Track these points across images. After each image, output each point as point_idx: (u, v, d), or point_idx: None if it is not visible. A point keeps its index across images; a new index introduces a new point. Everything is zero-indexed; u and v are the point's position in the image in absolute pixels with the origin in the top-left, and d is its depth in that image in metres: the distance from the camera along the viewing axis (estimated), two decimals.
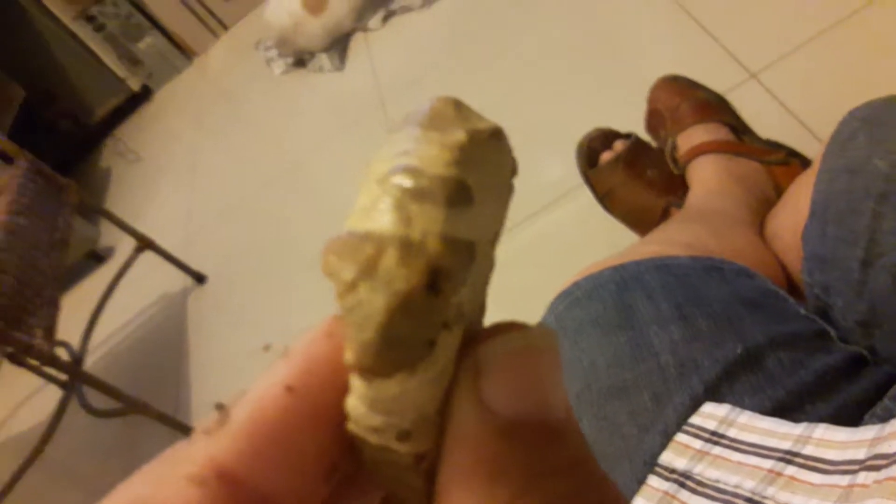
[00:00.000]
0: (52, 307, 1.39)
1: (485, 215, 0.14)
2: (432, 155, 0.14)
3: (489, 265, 0.15)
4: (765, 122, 0.99)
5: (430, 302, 0.13)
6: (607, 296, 0.53)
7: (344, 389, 0.15)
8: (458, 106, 0.15)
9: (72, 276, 2.20)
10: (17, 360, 1.76)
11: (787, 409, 0.38)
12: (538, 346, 0.15)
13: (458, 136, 0.14)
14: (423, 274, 0.13)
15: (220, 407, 0.15)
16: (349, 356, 0.14)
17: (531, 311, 0.61)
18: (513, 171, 0.16)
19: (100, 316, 1.64)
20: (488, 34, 1.79)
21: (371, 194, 0.14)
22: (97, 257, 2.26)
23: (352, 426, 0.15)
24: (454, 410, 0.14)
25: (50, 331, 1.35)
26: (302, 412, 0.14)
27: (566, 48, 1.56)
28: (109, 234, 2.23)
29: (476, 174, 0.14)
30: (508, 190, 0.16)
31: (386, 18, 2.13)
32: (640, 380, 0.45)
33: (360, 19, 2.17)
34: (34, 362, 1.45)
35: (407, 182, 0.13)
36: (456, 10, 1.98)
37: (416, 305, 0.13)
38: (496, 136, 0.15)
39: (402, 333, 0.13)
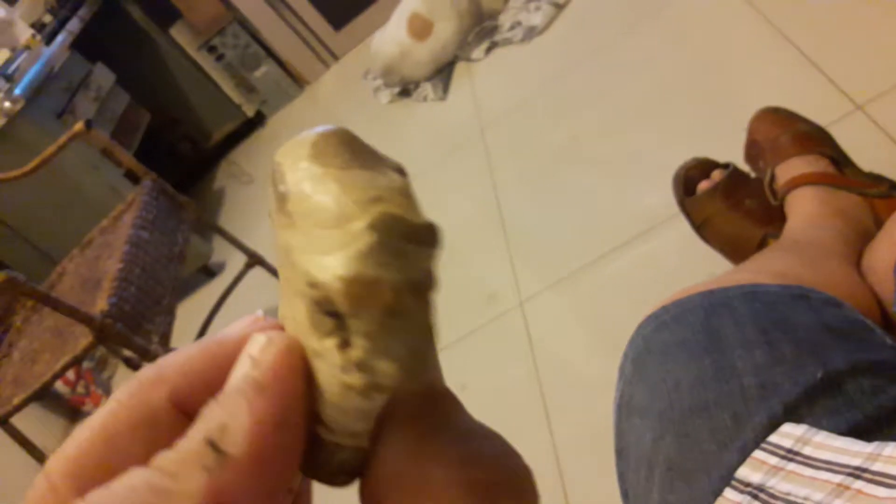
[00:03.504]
0: (169, 316, 1.49)
1: None
2: (403, 202, 0.16)
3: None
4: (870, 155, 0.97)
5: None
6: (695, 320, 0.55)
7: (306, 414, 0.18)
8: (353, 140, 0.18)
9: (185, 288, 2.33)
10: (132, 364, 1.89)
11: (864, 432, 0.39)
12: None
13: (400, 179, 0.17)
14: (431, 309, 0.16)
15: (213, 444, 0.16)
16: (396, 378, 0.16)
17: (627, 339, 0.63)
18: None
19: (209, 326, 1.73)
20: (587, 67, 1.82)
21: (359, 238, 0.16)
22: (209, 272, 2.39)
23: (328, 436, 0.18)
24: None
25: (166, 337, 1.45)
26: (290, 445, 0.17)
27: (665, 78, 1.56)
28: (221, 251, 2.36)
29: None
30: None
31: (489, 50, 2.19)
32: (722, 400, 0.47)
33: (463, 47, 2.24)
34: None
35: (400, 227, 0.16)
36: (555, 45, 2.02)
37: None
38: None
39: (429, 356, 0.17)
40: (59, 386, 2.18)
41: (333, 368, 0.17)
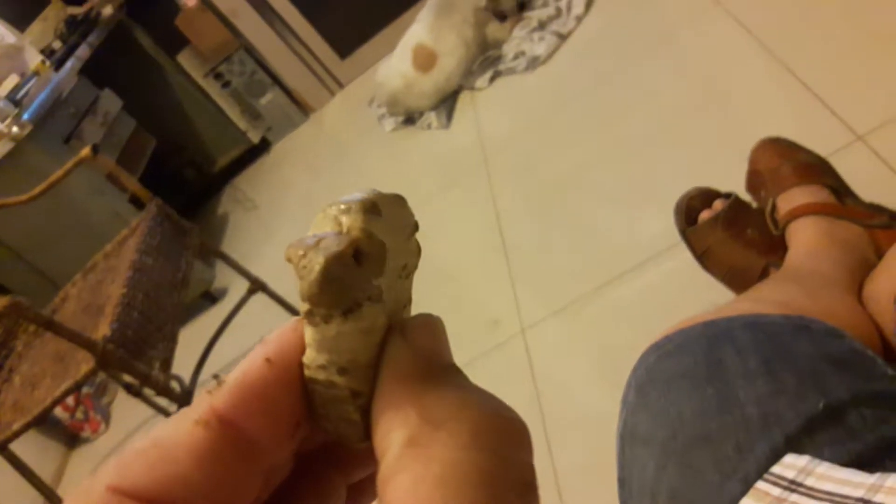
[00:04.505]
0: (171, 342, 1.48)
1: (393, 229, 0.21)
2: (358, 199, 0.21)
3: (405, 286, 0.23)
4: (871, 185, 0.98)
5: (355, 269, 0.20)
6: (698, 350, 0.55)
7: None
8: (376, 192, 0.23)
9: (187, 314, 2.33)
10: (133, 390, 1.88)
11: (866, 463, 0.39)
12: (436, 318, 0.22)
13: (372, 194, 0.22)
14: (348, 245, 0.20)
15: (217, 377, 0.20)
16: (301, 297, 0.20)
17: (629, 368, 0.63)
18: (414, 224, 0.23)
19: (211, 353, 1.73)
20: (589, 97, 1.83)
21: (318, 225, 0.21)
22: (211, 298, 2.39)
23: (307, 372, 0.21)
24: (388, 357, 0.20)
25: (167, 363, 1.44)
26: (277, 377, 0.20)
27: (668, 108, 1.57)
28: (224, 276, 2.37)
29: (384, 206, 0.21)
30: (411, 230, 0.23)
31: (493, 79, 2.21)
32: (725, 430, 0.47)
33: (467, 76, 2.26)
34: (149, 392, 1.54)
35: (340, 208, 0.21)
36: (558, 75, 2.03)
37: (345, 264, 0.20)
38: (398, 197, 0.22)
39: (335, 279, 0.20)
40: (58, 412, 2.17)
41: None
